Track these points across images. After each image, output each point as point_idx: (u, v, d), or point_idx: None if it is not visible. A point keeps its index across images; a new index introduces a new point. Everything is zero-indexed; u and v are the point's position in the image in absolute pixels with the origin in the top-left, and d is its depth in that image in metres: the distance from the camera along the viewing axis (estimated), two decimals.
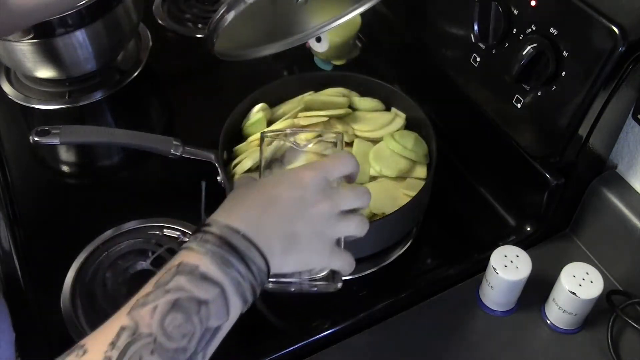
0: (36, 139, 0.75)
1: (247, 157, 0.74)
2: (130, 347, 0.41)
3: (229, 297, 0.45)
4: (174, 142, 0.77)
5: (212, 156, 0.76)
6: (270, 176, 0.59)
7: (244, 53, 0.78)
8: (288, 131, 0.64)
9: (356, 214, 0.55)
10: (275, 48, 0.79)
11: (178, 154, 0.77)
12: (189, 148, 0.77)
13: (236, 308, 0.46)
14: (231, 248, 0.46)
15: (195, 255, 0.46)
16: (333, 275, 0.56)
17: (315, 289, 0.56)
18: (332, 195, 0.53)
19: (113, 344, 0.41)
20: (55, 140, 0.75)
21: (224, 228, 0.47)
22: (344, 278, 0.57)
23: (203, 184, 0.74)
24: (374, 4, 0.75)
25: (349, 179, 0.57)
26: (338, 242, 0.55)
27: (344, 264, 0.54)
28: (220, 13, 0.65)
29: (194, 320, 0.43)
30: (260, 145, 0.61)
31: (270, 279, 0.51)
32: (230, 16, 0.65)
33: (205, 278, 0.45)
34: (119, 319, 0.43)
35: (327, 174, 0.54)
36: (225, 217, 0.49)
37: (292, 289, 0.56)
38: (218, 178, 0.75)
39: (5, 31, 0.75)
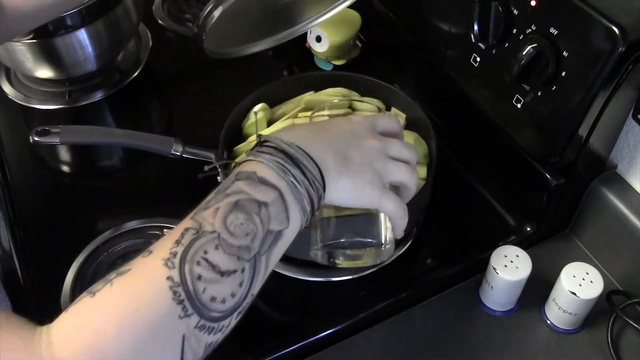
0: (36, 139, 0.75)
1: None
2: (195, 242, 0.43)
3: (288, 202, 0.47)
4: (174, 142, 0.77)
5: (212, 156, 0.76)
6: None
7: (234, 50, 0.78)
8: (336, 100, 0.68)
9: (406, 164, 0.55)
10: (265, 44, 0.79)
11: (178, 154, 0.77)
12: (189, 148, 0.77)
13: (296, 216, 0.47)
14: (286, 155, 0.48)
15: (252, 164, 0.48)
16: (385, 239, 0.55)
17: (369, 245, 0.54)
18: (381, 138, 0.55)
19: (178, 242, 0.43)
20: (55, 140, 0.75)
21: (278, 140, 0.49)
22: (396, 238, 0.55)
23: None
24: None
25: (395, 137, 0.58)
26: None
27: (397, 208, 0.53)
28: (207, 9, 0.66)
29: (255, 220, 0.45)
30: (311, 116, 0.66)
31: (324, 241, 0.54)
32: (217, 12, 0.65)
33: (263, 182, 0.47)
34: (183, 223, 0.45)
35: (375, 122, 0.56)
36: (279, 135, 0.51)
37: (344, 248, 0.55)
38: (218, 178, 0.75)
39: (2, 38, 0.75)
